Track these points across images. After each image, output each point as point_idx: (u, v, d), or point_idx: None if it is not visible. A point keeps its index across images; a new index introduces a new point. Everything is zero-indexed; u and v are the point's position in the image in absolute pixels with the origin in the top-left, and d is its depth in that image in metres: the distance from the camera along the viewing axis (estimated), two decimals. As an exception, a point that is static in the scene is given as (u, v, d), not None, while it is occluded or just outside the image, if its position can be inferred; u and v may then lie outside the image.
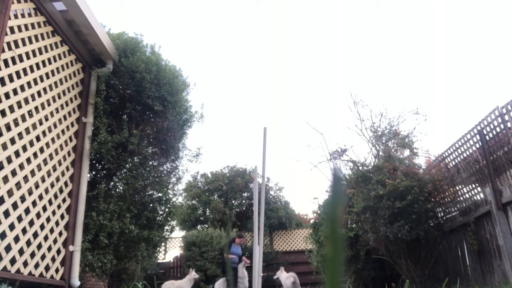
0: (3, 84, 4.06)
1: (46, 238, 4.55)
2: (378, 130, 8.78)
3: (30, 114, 4.51)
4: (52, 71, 4.93)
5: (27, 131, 4.38)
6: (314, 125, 12.57)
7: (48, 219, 4.62)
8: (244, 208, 14.94)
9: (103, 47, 5.59)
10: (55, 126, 4.91)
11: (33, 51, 4.57)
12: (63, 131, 5.09)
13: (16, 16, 4.31)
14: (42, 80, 4.71)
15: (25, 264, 4.16)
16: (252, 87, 29.18)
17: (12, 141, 4.13)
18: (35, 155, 4.48)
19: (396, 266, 7.30)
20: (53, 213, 4.74)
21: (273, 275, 9.48)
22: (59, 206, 4.87)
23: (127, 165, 5.73)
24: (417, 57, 25.33)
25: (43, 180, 4.59)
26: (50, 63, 4.89)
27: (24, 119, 4.35)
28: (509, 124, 5.59)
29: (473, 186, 6.76)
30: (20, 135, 4.26)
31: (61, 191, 4.94)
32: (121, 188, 5.76)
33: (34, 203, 4.38)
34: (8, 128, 4.11)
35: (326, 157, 8.94)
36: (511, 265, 5.35)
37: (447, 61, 25.07)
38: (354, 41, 24.84)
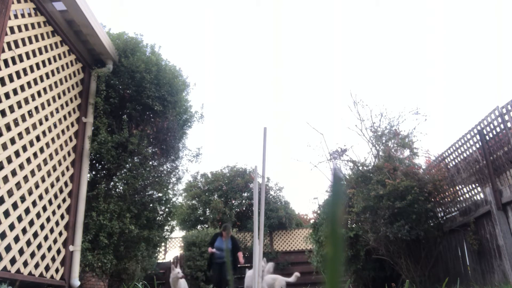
0: (3, 84, 4.05)
1: (46, 238, 4.55)
2: (378, 130, 8.78)
3: (30, 114, 4.51)
4: (52, 71, 4.93)
5: (27, 131, 4.38)
6: (314, 125, 12.58)
7: (48, 219, 4.62)
8: (244, 208, 14.94)
9: (103, 47, 5.59)
10: (55, 126, 4.91)
11: (33, 51, 4.57)
12: (63, 131, 5.09)
13: (16, 16, 4.31)
14: (42, 80, 4.70)
15: (25, 264, 4.16)
16: (252, 87, 29.18)
17: (12, 141, 4.13)
18: (35, 155, 4.48)
19: (396, 266, 7.30)
20: (53, 213, 4.74)
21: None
22: (59, 206, 4.87)
23: (127, 165, 5.73)
24: (417, 57, 25.33)
25: (43, 180, 4.59)
26: (50, 63, 4.89)
27: (24, 119, 4.34)
28: (509, 124, 5.59)
29: (473, 186, 6.76)
30: (20, 135, 4.25)
31: (61, 191, 4.94)
32: (121, 188, 5.76)
33: (34, 203, 4.38)
34: (8, 128, 4.11)
35: (326, 157, 8.96)
36: (511, 265, 5.35)
37: (447, 61, 25.07)
38: (354, 41, 24.85)
